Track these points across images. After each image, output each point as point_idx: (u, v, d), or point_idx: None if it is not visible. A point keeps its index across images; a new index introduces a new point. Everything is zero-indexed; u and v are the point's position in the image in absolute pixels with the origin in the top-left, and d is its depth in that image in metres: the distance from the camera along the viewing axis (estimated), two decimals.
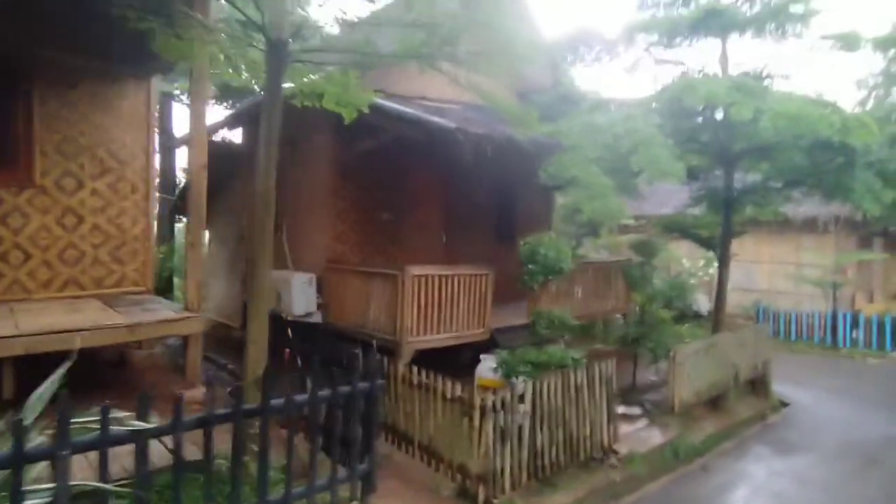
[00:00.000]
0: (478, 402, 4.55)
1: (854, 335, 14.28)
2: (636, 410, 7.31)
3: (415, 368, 5.30)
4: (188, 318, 5.43)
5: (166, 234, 16.97)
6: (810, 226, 16.47)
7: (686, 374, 7.27)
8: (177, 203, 13.09)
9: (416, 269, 7.08)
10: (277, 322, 9.01)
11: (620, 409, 7.33)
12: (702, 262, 17.67)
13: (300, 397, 3.53)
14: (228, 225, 11.59)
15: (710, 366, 7.98)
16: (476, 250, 9.94)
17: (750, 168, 10.30)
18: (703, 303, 19.31)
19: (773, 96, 7.35)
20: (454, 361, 7.02)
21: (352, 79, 4.80)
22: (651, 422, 7.14)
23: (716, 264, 18.14)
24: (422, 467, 5.15)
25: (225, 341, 9.69)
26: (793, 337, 15.26)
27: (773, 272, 17.48)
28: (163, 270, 15.78)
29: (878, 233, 18.22)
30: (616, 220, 20.00)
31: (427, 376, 5.11)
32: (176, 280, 18.15)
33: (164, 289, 16.72)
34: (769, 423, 8.46)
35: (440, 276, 7.27)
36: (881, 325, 14.00)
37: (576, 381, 5.46)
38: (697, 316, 18.75)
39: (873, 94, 22.62)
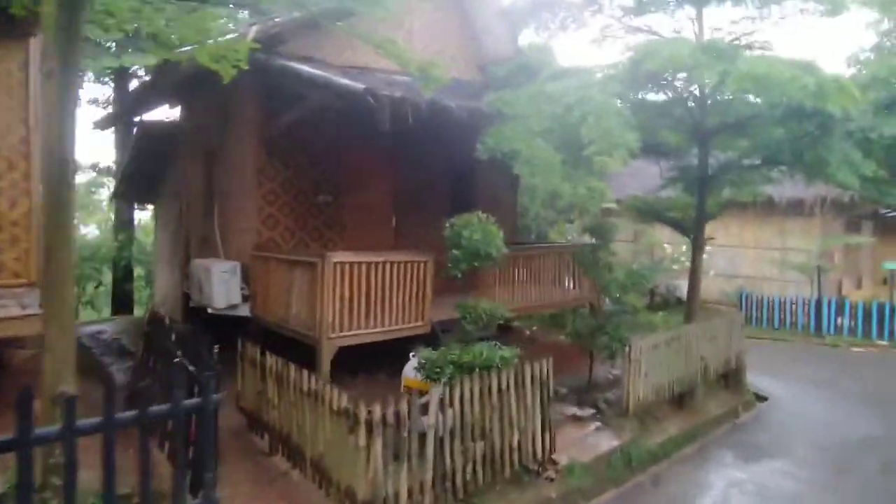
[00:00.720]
0: (363, 415, 3.72)
1: (839, 322, 13.50)
2: (589, 411, 6.50)
3: (304, 373, 4.47)
4: (27, 316, 4.57)
5: (126, 220, 16.10)
6: (796, 209, 15.62)
7: (642, 370, 6.45)
8: (118, 188, 12.19)
9: (338, 256, 6.23)
10: (199, 316, 8.25)
11: (572, 411, 6.54)
12: (685, 247, 16.85)
13: (86, 423, 2.70)
14: (170, 211, 10.72)
15: (674, 360, 7.17)
16: (431, 234, 9.00)
17: (727, 146, 9.39)
18: (684, 290, 18.52)
19: (743, 59, 6.45)
20: (398, 360, 6.20)
21: (208, 19, 3.89)
22: (604, 424, 6.34)
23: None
24: (313, 489, 4.34)
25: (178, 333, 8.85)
26: (776, 325, 14.47)
27: (758, 257, 16.63)
28: (119, 260, 14.96)
29: (867, 215, 17.35)
30: (597, 203, 19.11)
31: (315, 382, 4.28)
32: (138, 271, 17.32)
33: (122, 279, 15.94)
34: (740, 422, 7.66)
35: (369, 264, 6.41)
36: (867, 312, 13.20)
37: (500, 384, 4.63)
38: (682, 303, 17.98)
39: (863, 71, 21.66)
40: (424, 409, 4.03)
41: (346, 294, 6.21)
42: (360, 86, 5.10)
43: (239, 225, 7.90)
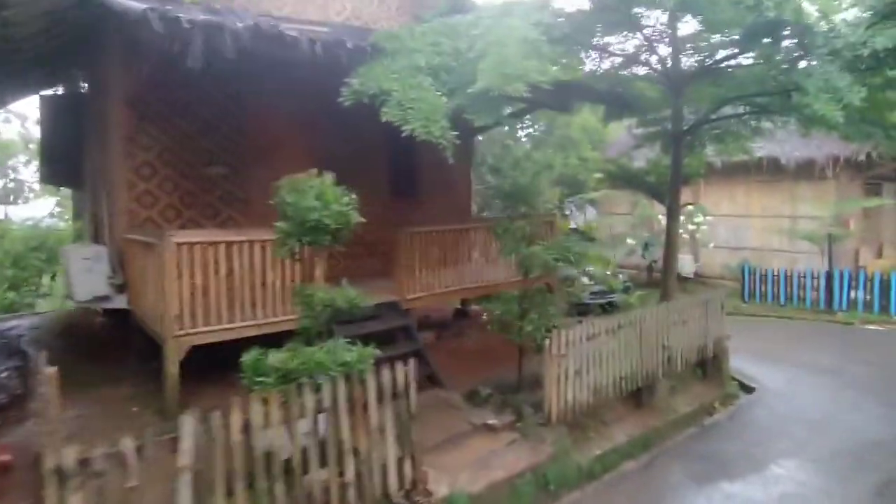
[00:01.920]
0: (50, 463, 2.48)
1: (852, 296, 11.75)
2: (507, 419, 5.15)
3: None
4: None
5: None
6: (806, 171, 13.76)
7: (569, 368, 5.06)
8: (41, 170, 11.14)
9: (183, 235, 4.96)
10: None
11: (485, 418, 5.20)
12: (699, 218, 15.12)
13: None
14: (85, 193, 9.63)
15: (625, 351, 5.75)
16: (365, 211, 7.78)
17: (704, 97, 7.77)
18: (688, 263, 16.79)
19: None
20: None
21: None
22: (523, 436, 4.99)
23: (700, 217, 15.66)
24: None
25: (84, 329, 7.79)
26: (782, 301, 12.77)
27: (766, 227, 14.83)
28: None
29: (889, 176, 15.32)
30: (591, 173, 17.32)
31: None
32: None
33: None
34: (711, 422, 6.21)
35: (230, 244, 5.14)
36: (885, 285, 11.42)
37: (320, 403, 3.34)
38: (682, 279, 16.31)
39: None
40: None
41: (200, 282, 4.97)
42: (139, 5, 3.76)
43: (116, 205, 6.71)
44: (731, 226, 15.73)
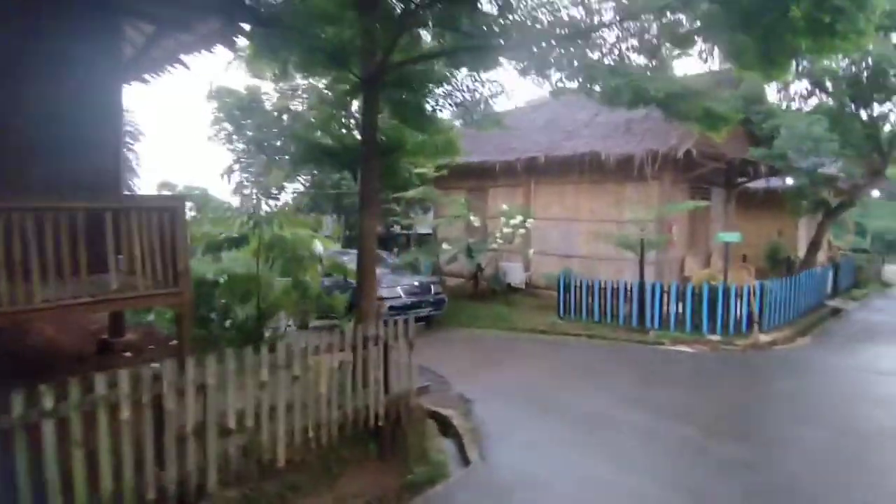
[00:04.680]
0: None
1: (664, 312, 9.74)
2: None
3: None
4: None
5: None
6: (629, 170, 11.80)
7: None
8: None
9: None
10: None
11: None
12: (513, 219, 12.75)
13: None
14: None
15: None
16: None
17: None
18: (517, 272, 14.48)
19: None
20: None
21: None
22: None
23: (517, 219, 13.37)
24: None
25: None
26: (596, 316, 10.60)
27: (594, 232, 12.74)
28: None
29: (717, 181, 13.87)
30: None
31: None
32: None
33: None
34: None
35: None
36: (698, 298, 9.48)
37: None
38: (512, 290, 13.99)
39: None
40: None
41: None
42: None
43: None
44: (562, 231, 13.64)
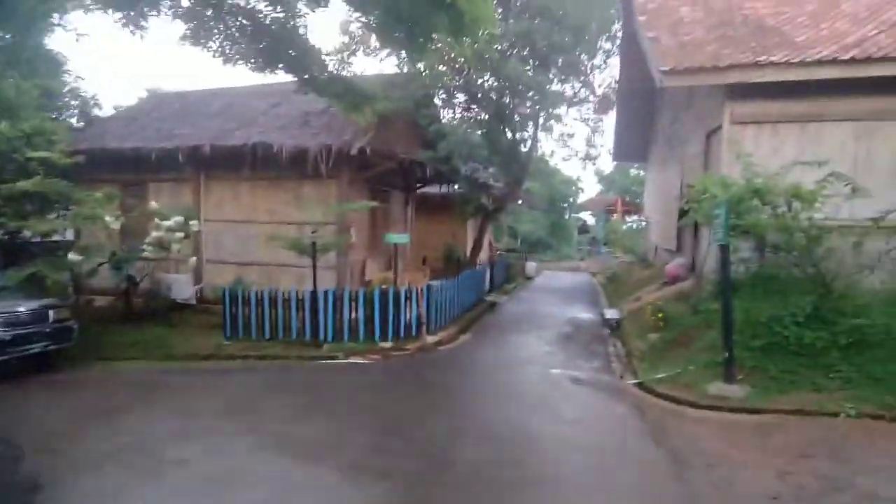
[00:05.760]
0: None
1: (338, 322, 8.90)
2: None
3: None
4: None
5: None
6: (304, 165, 10.65)
7: None
8: None
9: None
10: None
11: None
12: (168, 221, 10.09)
13: None
14: None
15: None
16: None
17: None
18: (184, 286, 11.95)
19: None
20: None
21: None
22: None
23: (172, 220, 10.84)
24: None
25: None
26: (266, 333, 9.12)
27: (273, 235, 11.06)
28: None
29: (397, 184, 14.06)
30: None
31: None
32: None
33: None
34: None
35: None
36: (370, 303, 8.93)
37: None
38: (179, 307, 11.37)
39: None
40: None
41: None
42: None
43: None
44: (239, 235, 11.67)
